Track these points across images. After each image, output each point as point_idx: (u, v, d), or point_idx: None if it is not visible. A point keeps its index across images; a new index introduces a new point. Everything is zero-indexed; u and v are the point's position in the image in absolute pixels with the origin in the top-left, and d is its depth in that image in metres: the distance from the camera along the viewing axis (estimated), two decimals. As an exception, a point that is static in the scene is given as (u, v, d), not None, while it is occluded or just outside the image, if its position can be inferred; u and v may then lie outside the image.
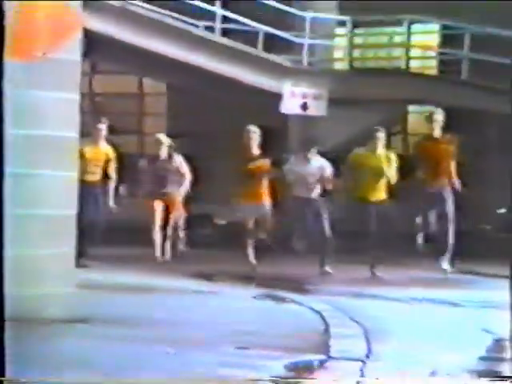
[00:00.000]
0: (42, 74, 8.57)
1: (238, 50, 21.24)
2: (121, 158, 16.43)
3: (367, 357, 7.78)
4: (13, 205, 8.72)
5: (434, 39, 25.26)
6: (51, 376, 5.06)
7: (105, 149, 16.24)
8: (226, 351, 7.72)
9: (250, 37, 22.10)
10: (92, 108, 23.11)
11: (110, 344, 7.93)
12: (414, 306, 10.87)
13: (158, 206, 16.75)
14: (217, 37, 21.54)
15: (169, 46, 20.31)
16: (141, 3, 20.62)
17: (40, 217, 8.78)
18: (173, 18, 20.95)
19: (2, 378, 4.73)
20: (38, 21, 8.93)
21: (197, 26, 21.58)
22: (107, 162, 16.10)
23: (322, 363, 7.37)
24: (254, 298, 11.33)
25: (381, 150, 16.36)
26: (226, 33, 22.00)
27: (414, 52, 24.92)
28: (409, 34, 24.14)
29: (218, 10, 21.46)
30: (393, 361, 7.72)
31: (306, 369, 7.08)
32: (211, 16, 21.76)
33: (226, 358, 7.46)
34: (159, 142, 17.11)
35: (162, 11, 20.89)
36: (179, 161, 17.00)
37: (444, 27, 24.30)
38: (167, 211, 16.63)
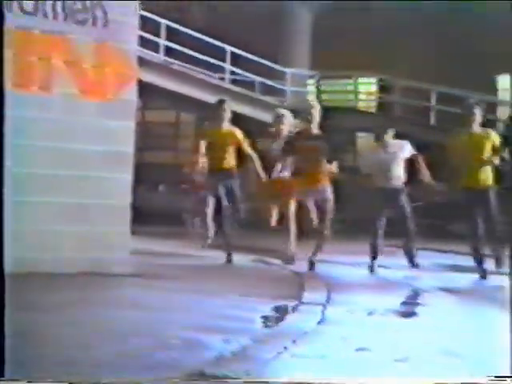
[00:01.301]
0: (113, 109, 8.52)
1: (241, 94, 21.38)
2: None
3: (327, 302, 7.78)
4: (87, 197, 8.78)
5: (373, 88, 25.60)
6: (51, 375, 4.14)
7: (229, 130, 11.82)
8: (233, 298, 7.69)
9: (249, 84, 22.34)
10: (142, 132, 23.18)
11: (154, 291, 7.94)
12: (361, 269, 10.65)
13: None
14: (227, 84, 21.92)
15: (195, 91, 20.50)
16: (176, 61, 20.92)
17: (106, 205, 8.72)
18: (197, 71, 21.20)
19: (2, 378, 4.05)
20: (108, 73, 8.88)
21: (213, 77, 21.89)
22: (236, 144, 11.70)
23: (296, 306, 7.37)
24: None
25: (478, 128, 10.47)
26: (233, 81, 22.31)
27: (360, 96, 25.18)
28: (356, 84, 24.61)
29: (227, 65, 21.77)
30: (344, 306, 7.72)
31: (285, 311, 7.08)
32: (223, 69, 22.19)
33: (232, 302, 7.45)
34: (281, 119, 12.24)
35: (190, 66, 21.12)
36: None
37: (380, 79, 24.69)
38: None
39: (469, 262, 10.54)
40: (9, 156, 8.32)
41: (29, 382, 4.03)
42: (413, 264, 11.20)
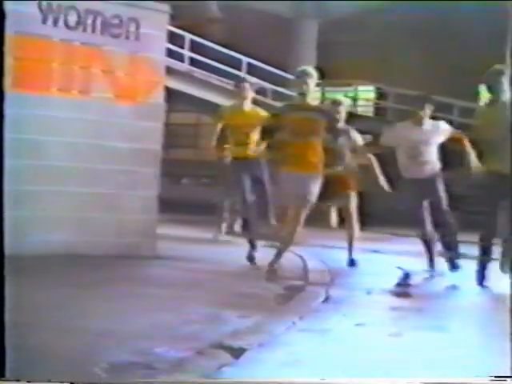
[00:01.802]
0: (143, 111, 8.51)
1: (256, 99, 21.31)
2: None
3: (331, 283, 7.78)
4: (121, 188, 8.80)
5: (371, 95, 25.55)
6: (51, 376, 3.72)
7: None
8: (244, 279, 7.70)
9: (261, 91, 22.24)
10: (168, 131, 23.20)
11: (178, 271, 7.96)
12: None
13: None
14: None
15: (214, 96, 20.48)
16: (198, 70, 21.01)
17: (137, 196, 8.74)
18: (216, 79, 21.21)
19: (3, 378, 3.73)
20: (139, 80, 8.92)
21: (230, 84, 21.86)
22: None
23: (303, 287, 7.38)
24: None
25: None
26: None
27: (360, 102, 25.11)
28: (356, 91, 24.56)
29: (243, 74, 21.68)
30: (346, 286, 7.73)
31: (296, 289, 7.08)
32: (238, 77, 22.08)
33: (245, 282, 7.45)
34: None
35: (210, 74, 21.16)
36: None
37: (377, 88, 24.70)
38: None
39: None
40: (54, 152, 8.43)
41: (29, 382, 3.71)
42: (453, 266, 8.70)
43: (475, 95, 23.37)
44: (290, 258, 8.80)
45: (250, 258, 9.11)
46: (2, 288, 3.79)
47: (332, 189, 8.51)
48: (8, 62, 8.21)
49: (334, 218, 9.64)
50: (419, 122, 8.71)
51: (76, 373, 3.90)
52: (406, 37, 23.93)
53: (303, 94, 8.02)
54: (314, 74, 8.06)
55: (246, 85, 9.40)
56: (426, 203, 8.73)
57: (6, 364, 3.67)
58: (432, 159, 8.74)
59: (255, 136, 8.94)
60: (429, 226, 8.76)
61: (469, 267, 8.28)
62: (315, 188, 7.86)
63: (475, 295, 7.66)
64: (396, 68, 23.78)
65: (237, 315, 5.62)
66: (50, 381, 3.65)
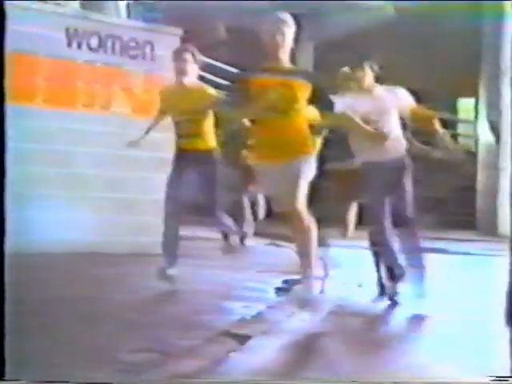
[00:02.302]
0: (158, 124, 8.21)
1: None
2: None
3: (326, 276, 7.76)
4: (138, 193, 8.82)
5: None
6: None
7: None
8: (247, 274, 7.68)
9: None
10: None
11: (189, 267, 7.97)
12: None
13: None
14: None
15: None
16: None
17: (152, 199, 8.69)
18: (222, 93, 21.04)
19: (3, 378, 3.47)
20: (155, 97, 8.91)
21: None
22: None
23: (300, 280, 7.35)
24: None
25: None
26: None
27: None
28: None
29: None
30: (339, 279, 7.72)
31: (293, 282, 7.07)
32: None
33: (250, 276, 7.47)
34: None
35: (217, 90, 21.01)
36: None
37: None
38: None
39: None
40: (79, 161, 8.47)
41: (28, 381, 3.48)
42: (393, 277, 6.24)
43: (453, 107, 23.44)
44: (286, 254, 8.76)
45: None
46: (2, 288, 3.56)
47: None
48: (39, 81, 8.28)
49: (351, 225, 7.05)
50: (367, 88, 5.95)
51: (105, 356, 3.93)
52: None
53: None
54: (292, 23, 5.20)
55: (187, 55, 6.59)
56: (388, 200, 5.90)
57: (5, 364, 3.49)
58: (395, 135, 5.95)
59: (206, 124, 6.40)
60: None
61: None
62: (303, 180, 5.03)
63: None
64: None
65: (242, 306, 5.66)
66: (49, 381, 3.45)
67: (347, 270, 8.82)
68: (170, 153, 9.21)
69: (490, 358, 4.20)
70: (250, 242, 9.43)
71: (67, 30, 8.51)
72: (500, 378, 3.69)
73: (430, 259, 6.07)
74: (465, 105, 24.40)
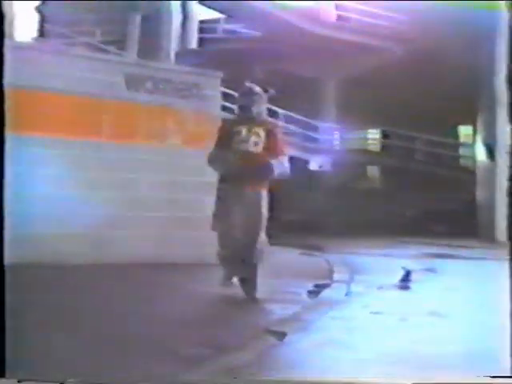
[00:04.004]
0: (204, 154, 8.07)
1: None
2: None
3: (351, 281, 7.69)
4: (184, 212, 8.81)
5: (378, 135, 25.16)
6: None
7: None
8: (284, 279, 7.54)
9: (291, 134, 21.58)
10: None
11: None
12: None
13: None
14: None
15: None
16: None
17: (198, 217, 8.52)
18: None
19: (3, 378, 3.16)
20: (202, 130, 8.90)
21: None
22: None
23: (329, 285, 7.30)
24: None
25: None
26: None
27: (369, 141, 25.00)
28: (367, 133, 24.46)
29: (280, 122, 21.35)
30: (363, 284, 7.61)
31: (323, 286, 7.00)
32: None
33: (282, 282, 7.35)
34: None
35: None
36: None
37: (383, 131, 24.39)
38: None
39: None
40: (140, 186, 8.52)
41: (28, 381, 3.15)
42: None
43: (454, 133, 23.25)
44: (317, 262, 8.74)
45: None
46: (2, 289, 3.24)
47: None
48: (105, 119, 8.28)
49: None
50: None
51: (156, 349, 3.88)
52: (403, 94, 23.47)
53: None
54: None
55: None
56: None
57: (5, 364, 3.19)
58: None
59: None
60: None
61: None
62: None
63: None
64: (397, 116, 23.11)
65: (280, 307, 5.60)
66: (50, 381, 3.14)
67: (370, 274, 8.72)
68: (213, 177, 9.30)
69: (489, 358, 4.02)
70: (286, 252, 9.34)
71: (126, 75, 8.63)
72: (500, 378, 3.41)
73: (439, 263, 6.10)
74: (464, 131, 24.30)
